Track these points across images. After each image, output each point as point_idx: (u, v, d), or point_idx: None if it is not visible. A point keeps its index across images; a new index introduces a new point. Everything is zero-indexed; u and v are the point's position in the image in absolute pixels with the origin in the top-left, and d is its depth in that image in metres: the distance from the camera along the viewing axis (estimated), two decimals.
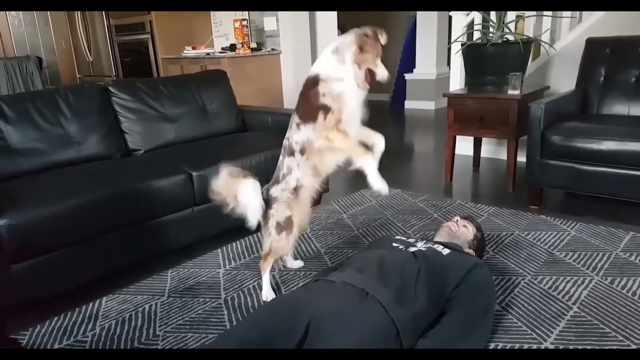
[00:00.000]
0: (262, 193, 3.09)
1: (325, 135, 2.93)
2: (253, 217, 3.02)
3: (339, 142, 2.94)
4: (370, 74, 3.01)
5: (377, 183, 2.95)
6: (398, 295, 2.47)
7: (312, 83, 2.97)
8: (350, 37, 2.89)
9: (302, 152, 3.02)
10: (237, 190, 3.00)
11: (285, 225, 3.09)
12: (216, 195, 3.05)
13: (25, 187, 3.40)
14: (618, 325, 2.75)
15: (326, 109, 2.91)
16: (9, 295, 2.99)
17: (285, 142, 3.13)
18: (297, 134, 3.04)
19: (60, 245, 3.17)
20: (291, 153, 3.07)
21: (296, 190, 3.08)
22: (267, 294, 3.21)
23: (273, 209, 3.09)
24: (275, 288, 3.33)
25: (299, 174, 3.06)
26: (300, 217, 3.13)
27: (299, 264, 3.64)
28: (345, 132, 2.94)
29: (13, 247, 2.95)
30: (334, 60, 2.92)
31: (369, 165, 2.95)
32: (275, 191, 3.11)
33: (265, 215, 3.10)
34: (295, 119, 3.07)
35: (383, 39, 2.93)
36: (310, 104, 2.95)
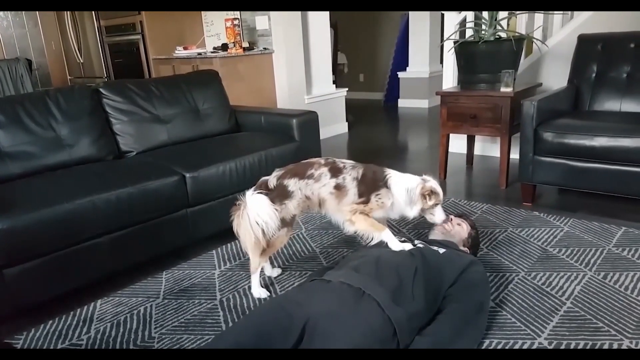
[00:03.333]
0: (271, 181, 3.18)
1: (356, 212, 3.15)
2: (271, 231, 3.08)
3: (360, 223, 3.14)
4: None
5: (398, 247, 3.06)
6: (395, 294, 2.48)
7: (386, 184, 3.17)
8: (420, 188, 3.13)
9: (337, 188, 3.16)
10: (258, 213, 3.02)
11: (289, 222, 3.18)
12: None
13: (17, 191, 3.39)
14: (611, 319, 2.76)
15: (367, 200, 3.13)
16: (2, 300, 2.98)
17: (345, 165, 3.23)
18: (351, 179, 3.16)
19: (54, 248, 3.16)
20: (333, 174, 3.17)
21: (307, 198, 3.18)
22: (259, 290, 3.28)
23: (285, 204, 3.14)
24: (270, 288, 3.33)
25: (317, 189, 3.16)
26: (291, 217, 3.21)
27: (277, 271, 3.59)
28: (366, 215, 3.15)
29: (6, 252, 2.94)
30: (404, 196, 3.14)
31: (388, 237, 3.12)
32: (294, 185, 3.16)
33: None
34: (362, 173, 3.19)
35: (438, 192, 3.20)
36: (368, 189, 3.14)
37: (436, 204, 3.18)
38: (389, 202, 3.15)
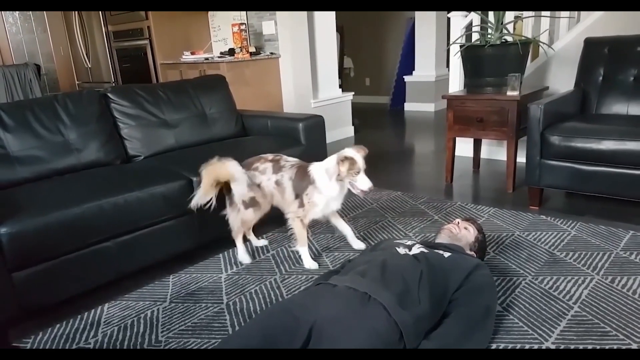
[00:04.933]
0: None
1: (293, 217, 3.65)
2: (242, 188, 3.62)
3: (296, 227, 3.67)
4: None
5: (307, 264, 3.71)
6: (401, 298, 2.48)
7: (309, 177, 3.57)
8: (333, 164, 3.42)
9: (277, 184, 3.68)
10: (227, 168, 3.57)
11: (250, 203, 3.69)
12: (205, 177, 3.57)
13: (26, 195, 3.39)
14: (619, 324, 2.75)
15: (301, 202, 3.60)
16: (10, 303, 2.98)
17: (280, 160, 3.75)
18: (287, 179, 3.64)
19: (62, 252, 3.17)
20: (275, 170, 3.69)
21: (259, 185, 3.70)
22: (244, 256, 3.87)
23: (237, 188, 3.64)
24: (277, 292, 3.33)
25: (265, 181, 3.70)
26: (262, 201, 3.73)
27: (263, 242, 4.19)
28: (304, 225, 3.66)
29: (14, 255, 2.95)
30: (325, 177, 3.49)
31: (304, 254, 3.73)
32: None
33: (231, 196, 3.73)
34: (295, 173, 3.64)
35: (361, 155, 3.48)
36: (301, 185, 3.59)
37: (357, 172, 3.41)
38: (319, 199, 3.55)
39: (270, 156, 3.78)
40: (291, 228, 3.68)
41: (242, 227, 3.83)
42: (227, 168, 3.55)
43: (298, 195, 3.60)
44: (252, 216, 3.74)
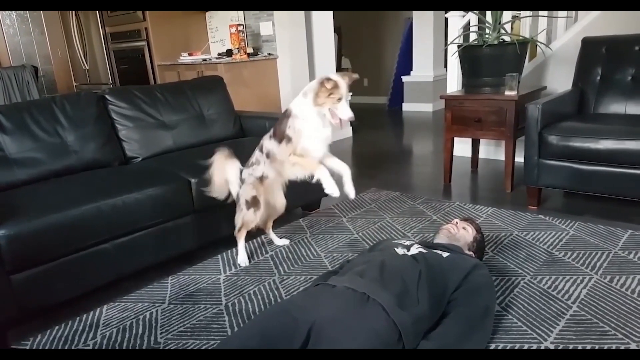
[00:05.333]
0: (240, 172, 3.74)
1: (288, 158, 3.52)
2: (234, 190, 3.72)
3: (297, 160, 3.50)
4: None
5: (329, 188, 3.45)
6: (399, 299, 2.47)
7: (286, 114, 3.52)
8: (314, 84, 3.36)
9: (267, 156, 3.62)
10: (226, 168, 3.68)
11: (252, 203, 3.65)
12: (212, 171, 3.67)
13: (24, 197, 3.39)
14: (618, 323, 2.75)
15: (288, 139, 3.49)
16: (9, 305, 2.98)
17: (263, 139, 3.70)
18: (267, 142, 3.64)
19: (60, 254, 3.17)
20: (261, 150, 3.67)
21: (261, 179, 3.65)
22: (243, 259, 3.82)
23: (242, 189, 3.69)
24: (275, 293, 3.33)
25: (264, 168, 3.64)
26: (266, 198, 3.72)
27: (284, 242, 4.14)
28: (301, 155, 3.49)
29: (13, 258, 2.94)
30: (303, 102, 3.42)
31: (322, 173, 3.48)
32: (244, 174, 3.71)
33: (237, 194, 3.72)
34: (271, 130, 3.65)
35: (345, 81, 3.36)
36: (281, 128, 3.52)
37: (339, 99, 3.32)
38: (303, 126, 3.43)
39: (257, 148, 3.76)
40: (292, 175, 3.64)
41: (244, 227, 3.75)
42: (225, 171, 3.67)
43: (281, 140, 3.52)
44: (252, 217, 3.68)
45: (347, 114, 3.33)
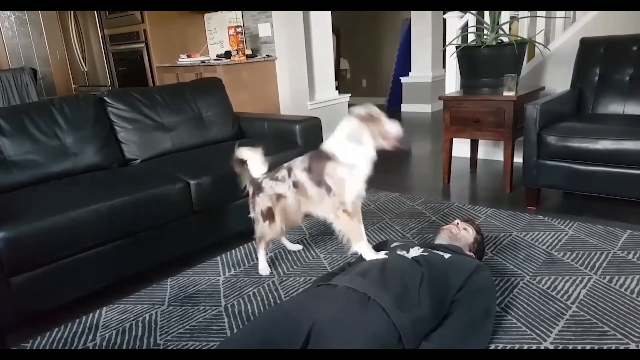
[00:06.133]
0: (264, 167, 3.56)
1: (333, 213, 3.24)
2: (255, 171, 3.54)
3: (342, 222, 3.23)
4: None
5: (370, 257, 3.11)
6: (400, 300, 2.48)
7: (326, 157, 3.19)
8: (355, 121, 3.13)
9: (295, 185, 3.36)
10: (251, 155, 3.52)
11: (267, 215, 3.49)
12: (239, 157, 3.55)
13: (23, 200, 3.39)
14: (617, 323, 2.75)
15: (329, 188, 3.19)
16: (8, 308, 2.98)
17: (294, 164, 3.40)
18: (299, 172, 3.32)
19: (59, 256, 3.17)
20: (289, 172, 3.39)
21: (278, 197, 3.44)
22: (263, 267, 3.69)
23: (259, 197, 3.51)
24: (275, 294, 3.34)
25: (286, 189, 3.40)
26: (282, 214, 3.50)
27: (297, 247, 4.06)
28: (350, 213, 3.20)
29: (12, 260, 2.94)
30: (351, 145, 3.13)
31: (364, 250, 3.17)
32: (265, 183, 3.49)
33: (254, 202, 3.55)
34: (306, 162, 3.32)
35: (374, 111, 3.17)
36: (318, 168, 3.22)
37: (381, 122, 3.14)
38: (344, 173, 3.14)
39: (286, 164, 3.47)
40: (339, 231, 3.30)
41: (262, 239, 3.62)
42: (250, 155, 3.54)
43: (320, 184, 3.22)
44: (267, 230, 3.54)
45: (397, 128, 3.17)
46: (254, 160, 3.52)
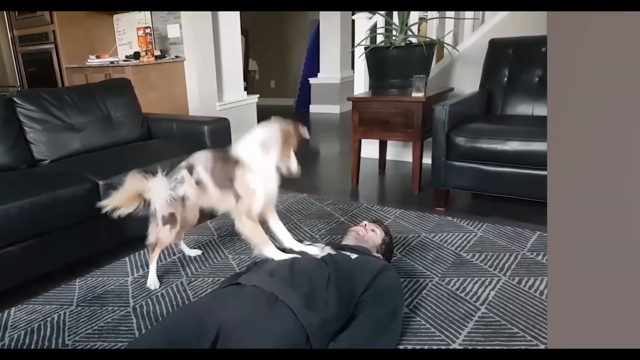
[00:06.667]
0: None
1: (239, 220, 3.17)
2: (162, 203, 3.29)
3: (246, 228, 3.17)
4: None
5: (279, 257, 3.09)
6: (307, 300, 2.49)
7: (235, 162, 3.11)
8: (276, 132, 3.04)
9: (198, 183, 3.26)
10: (149, 186, 3.28)
11: (169, 219, 3.33)
12: (125, 194, 3.29)
13: None
14: (526, 324, 2.79)
15: (237, 195, 3.12)
16: None
17: (195, 162, 3.29)
18: (203, 172, 3.24)
19: None
20: (190, 171, 3.28)
21: (183, 199, 3.32)
22: (153, 281, 3.47)
23: (158, 203, 3.31)
24: (183, 295, 3.32)
25: (188, 189, 3.30)
26: (183, 216, 3.40)
27: (196, 252, 3.95)
28: (255, 220, 3.16)
29: None
30: (259, 151, 3.06)
31: (273, 253, 3.13)
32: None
33: (154, 207, 3.34)
34: (210, 162, 3.24)
35: (304, 133, 3.15)
36: (224, 173, 3.15)
37: (291, 149, 3.10)
38: (254, 180, 3.08)
39: (184, 163, 3.35)
40: (245, 237, 3.24)
41: (158, 246, 3.43)
42: (150, 185, 3.28)
43: (223, 186, 3.16)
44: (168, 234, 3.36)
45: (296, 167, 3.12)
46: (156, 188, 3.31)
